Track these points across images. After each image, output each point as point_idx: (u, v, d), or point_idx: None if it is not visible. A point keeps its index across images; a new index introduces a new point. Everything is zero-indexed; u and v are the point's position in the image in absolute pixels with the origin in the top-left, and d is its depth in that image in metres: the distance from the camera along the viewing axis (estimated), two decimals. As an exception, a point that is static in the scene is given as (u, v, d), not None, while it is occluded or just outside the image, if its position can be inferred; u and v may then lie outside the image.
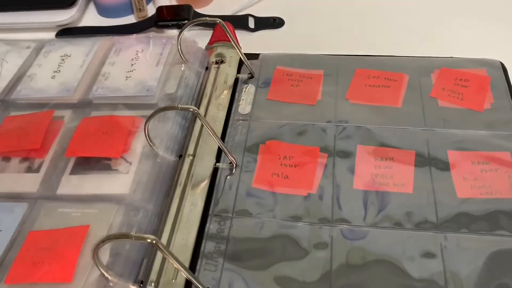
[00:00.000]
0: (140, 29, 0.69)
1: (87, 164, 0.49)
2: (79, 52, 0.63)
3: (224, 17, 0.61)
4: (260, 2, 0.73)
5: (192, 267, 0.42)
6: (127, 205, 0.46)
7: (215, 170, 0.49)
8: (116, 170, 0.49)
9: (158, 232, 0.45)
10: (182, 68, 0.59)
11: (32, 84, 0.59)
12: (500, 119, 0.52)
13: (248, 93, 0.57)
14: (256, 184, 0.48)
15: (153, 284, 0.41)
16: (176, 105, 0.47)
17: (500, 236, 0.43)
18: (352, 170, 0.48)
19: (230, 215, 0.46)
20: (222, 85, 0.57)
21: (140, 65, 0.60)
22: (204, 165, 0.49)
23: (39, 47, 0.64)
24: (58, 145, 0.52)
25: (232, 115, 0.54)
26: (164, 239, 0.44)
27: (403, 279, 0.40)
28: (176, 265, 0.38)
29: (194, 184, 0.48)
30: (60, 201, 0.47)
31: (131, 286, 0.41)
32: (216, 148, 0.51)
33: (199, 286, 0.39)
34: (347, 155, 0.49)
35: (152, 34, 0.66)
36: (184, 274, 0.39)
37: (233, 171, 0.49)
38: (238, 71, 0.59)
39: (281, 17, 0.70)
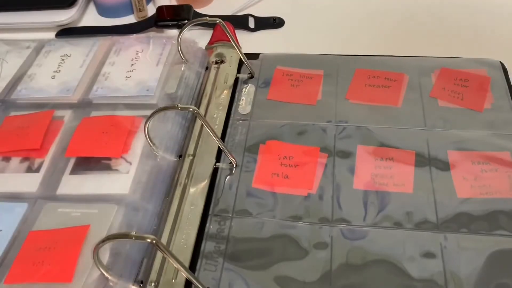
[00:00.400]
0: (140, 29, 0.69)
1: (87, 164, 0.49)
2: (79, 52, 0.63)
3: (224, 17, 0.61)
4: (260, 2, 0.73)
5: (192, 267, 0.42)
6: (127, 205, 0.46)
7: (215, 170, 0.49)
8: (116, 170, 0.49)
9: (158, 232, 0.45)
10: (182, 68, 0.59)
11: (32, 84, 0.59)
12: (500, 119, 0.52)
13: (248, 93, 0.57)
14: (256, 184, 0.48)
15: (153, 284, 0.41)
16: (176, 105, 0.47)
17: (500, 236, 0.43)
18: (352, 170, 0.48)
19: (230, 215, 0.46)
20: (222, 85, 0.57)
21: (140, 65, 0.60)
22: (204, 165, 0.49)
23: (39, 47, 0.64)
24: (58, 145, 0.52)
25: (232, 115, 0.54)
26: (164, 239, 0.44)
27: (403, 279, 0.40)
28: (176, 265, 0.37)
29: (194, 184, 0.48)
30: (60, 201, 0.47)
31: (131, 286, 0.41)
32: (216, 148, 0.51)
33: (199, 286, 0.39)
34: (347, 155, 0.49)
35: (152, 34, 0.66)
36: (184, 274, 0.39)
37: (233, 171, 0.49)
38: (238, 71, 0.59)
39: (281, 17, 0.70)
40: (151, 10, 0.72)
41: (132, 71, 0.59)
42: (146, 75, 0.58)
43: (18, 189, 0.48)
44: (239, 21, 0.69)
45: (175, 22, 0.69)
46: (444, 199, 0.45)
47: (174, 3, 0.74)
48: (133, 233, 0.36)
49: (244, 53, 0.58)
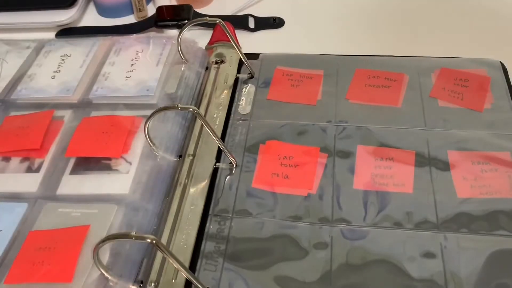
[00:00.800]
0: (140, 29, 0.69)
1: (87, 164, 0.49)
2: (79, 52, 0.63)
3: (224, 17, 0.61)
4: (260, 2, 0.73)
5: (192, 267, 0.42)
6: (127, 205, 0.46)
7: (215, 170, 0.49)
8: (116, 170, 0.49)
9: (158, 232, 0.45)
10: (182, 68, 0.59)
11: (32, 84, 0.59)
12: (500, 119, 0.52)
13: (248, 93, 0.57)
14: (256, 184, 0.48)
15: (153, 284, 0.41)
16: (176, 105, 0.47)
17: (500, 236, 0.43)
18: (352, 170, 0.48)
19: (230, 215, 0.46)
20: (222, 85, 0.57)
21: (140, 65, 0.60)
22: (204, 165, 0.49)
23: (39, 47, 0.64)
24: (58, 145, 0.52)
25: (232, 115, 0.54)
26: (164, 239, 0.44)
27: (403, 279, 0.40)
28: (176, 265, 0.37)
29: (194, 184, 0.48)
30: (60, 201, 0.47)
31: (131, 286, 0.41)
32: (216, 148, 0.51)
33: (199, 286, 0.39)
34: (347, 155, 0.49)
35: (152, 34, 0.66)
36: (184, 274, 0.39)
37: (233, 171, 0.49)
38: (238, 71, 0.59)
39: (281, 17, 0.70)
40: (151, 10, 0.72)
41: (132, 71, 0.59)
42: (146, 75, 0.58)
43: (18, 189, 0.48)
44: (239, 21, 0.69)
45: (175, 22, 0.69)
46: (444, 199, 0.45)
47: (174, 3, 0.74)
48: (133, 233, 0.36)
49: (244, 53, 0.58)
